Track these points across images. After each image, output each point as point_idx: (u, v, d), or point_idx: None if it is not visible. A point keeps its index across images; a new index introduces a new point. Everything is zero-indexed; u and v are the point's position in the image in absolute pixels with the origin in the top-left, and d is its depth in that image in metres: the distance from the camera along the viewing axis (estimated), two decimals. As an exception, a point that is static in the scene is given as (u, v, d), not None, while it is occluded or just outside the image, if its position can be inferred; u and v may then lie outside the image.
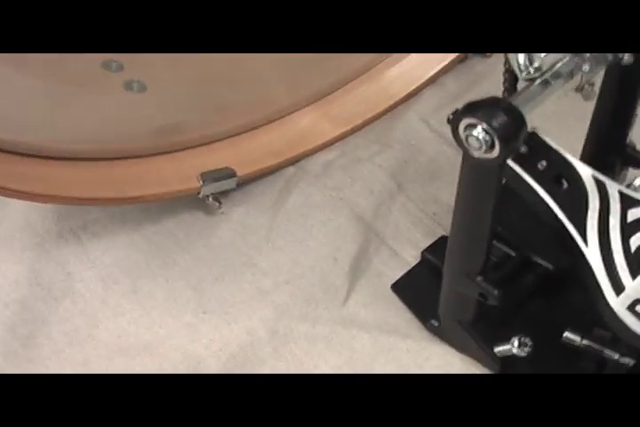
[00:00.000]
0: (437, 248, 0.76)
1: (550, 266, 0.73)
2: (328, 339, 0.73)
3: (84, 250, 0.79)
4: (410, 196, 0.81)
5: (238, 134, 0.83)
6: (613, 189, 0.66)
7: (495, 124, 0.55)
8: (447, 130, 0.83)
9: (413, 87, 0.88)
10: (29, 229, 0.79)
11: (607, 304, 0.62)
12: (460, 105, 0.86)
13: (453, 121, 0.57)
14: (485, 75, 0.89)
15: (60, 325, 0.74)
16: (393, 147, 0.85)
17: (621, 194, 0.65)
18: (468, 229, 0.63)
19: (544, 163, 0.64)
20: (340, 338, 0.73)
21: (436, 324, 0.73)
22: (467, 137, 0.57)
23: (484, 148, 0.56)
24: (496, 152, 0.56)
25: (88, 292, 0.76)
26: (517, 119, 0.56)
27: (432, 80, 0.89)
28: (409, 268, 0.77)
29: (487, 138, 0.56)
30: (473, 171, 0.59)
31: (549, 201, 0.64)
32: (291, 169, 0.84)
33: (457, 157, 0.83)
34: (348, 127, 0.86)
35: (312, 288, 0.76)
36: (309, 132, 0.85)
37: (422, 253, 0.77)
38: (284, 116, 0.85)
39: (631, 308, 0.62)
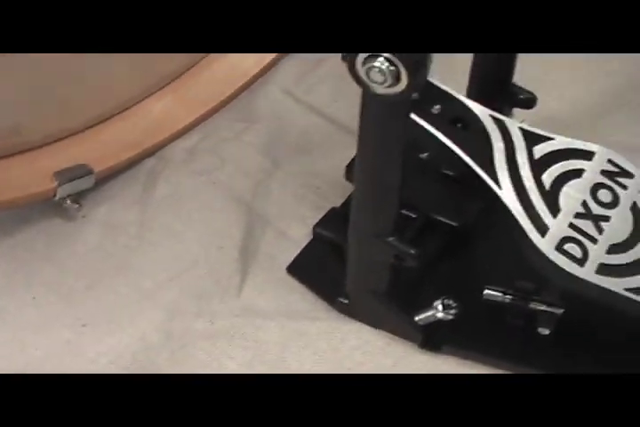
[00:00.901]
0: (329, 222, 0.71)
1: (454, 223, 0.69)
2: (230, 334, 0.66)
3: None
4: (287, 172, 0.75)
5: (89, 129, 0.75)
6: (514, 126, 0.62)
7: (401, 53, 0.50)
8: (314, 99, 0.81)
9: (268, 60, 0.82)
10: None
11: (535, 247, 0.57)
12: (320, 73, 0.82)
13: (350, 59, 0.51)
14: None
15: None
16: (259, 122, 0.79)
17: (523, 131, 0.61)
18: (375, 184, 0.58)
19: (437, 107, 0.60)
20: (243, 331, 0.66)
21: (345, 301, 0.67)
22: (367, 71, 0.51)
23: (389, 80, 0.50)
24: (403, 84, 0.51)
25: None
26: (424, 48, 0.51)
27: (276, 61, 0.83)
28: (302, 247, 0.70)
29: (392, 68, 0.50)
30: (376, 112, 0.53)
31: (452, 145, 0.59)
32: (151, 160, 0.76)
33: (330, 127, 0.79)
34: (206, 109, 0.80)
35: (201, 282, 0.69)
36: (164, 118, 0.79)
37: (314, 228, 0.71)
38: (134, 105, 0.78)
39: (559, 248, 0.58)
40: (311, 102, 0.80)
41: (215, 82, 0.81)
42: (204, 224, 0.72)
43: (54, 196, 0.71)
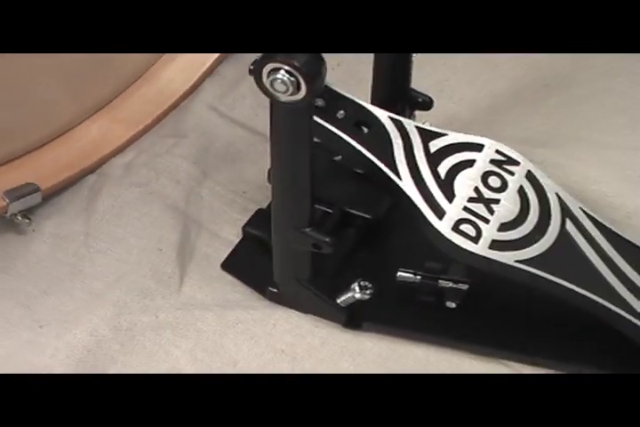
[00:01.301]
0: (257, 221, 0.78)
1: (368, 215, 0.77)
2: (173, 325, 0.73)
3: None
4: (216, 180, 0.83)
5: (33, 151, 0.82)
6: (411, 125, 0.70)
7: (297, 63, 0.57)
8: (236, 113, 0.89)
9: (193, 80, 0.90)
10: None
11: (434, 229, 0.66)
12: (241, 90, 0.90)
13: (255, 69, 0.59)
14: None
15: None
16: (188, 137, 0.86)
17: (419, 129, 0.70)
18: (289, 181, 0.65)
19: (342, 112, 0.68)
20: (185, 321, 0.73)
21: (274, 290, 0.74)
22: (271, 82, 0.58)
23: (290, 89, 0.58)
24: (303, 92, 0.59)
25: None
26: (318, 56, 0.58)
27: (209, 71, 0.91)
28: (233, 246, 0.78)
29: (292, 79, 0.58)
30: (283, 118, 0.61)
31: (357, 145, 0.68)
32: (93, 176, 0.84)
33: (252, 137, 0.87)
34: (139, 128, 0.87)
35: (145, 281, 0.76)
36: (101, 138, 0.86)
37: (243, 228, 0.78)
38: (73, 128, 0.85)
39: (455, 228, 0.66)
40: (234, 117, 0.88)
41: (146, 102, 0.89)
42: (144, 230, 0.79)
43: (6, 213, 0.78)
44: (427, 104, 0.78)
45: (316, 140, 0.66)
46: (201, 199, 0.82)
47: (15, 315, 0.74)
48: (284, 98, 0.59)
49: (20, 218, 0.79)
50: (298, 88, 0.58)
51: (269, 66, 0.58)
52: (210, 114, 0.88)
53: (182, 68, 0.90)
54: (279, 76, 0.58)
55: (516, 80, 0.91)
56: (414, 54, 0.74)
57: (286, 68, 0.57)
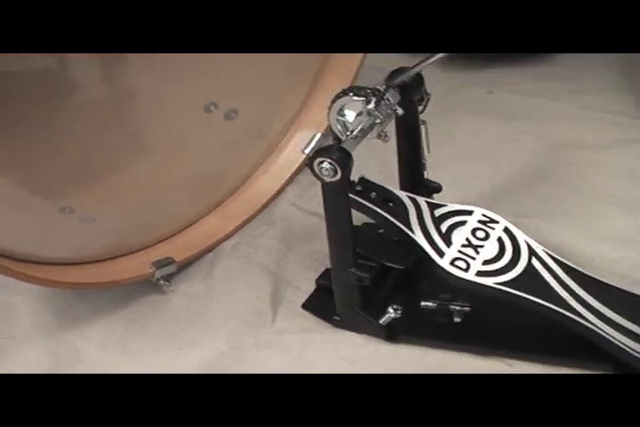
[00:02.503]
0: (325, 276, 1.11)
1: (400, 266, 1.08)
2: (269, 344, 1.05)
3: (80, 333, 1.10)
4: (297, 252, 1.17)
5: (169, 237, 1.19)
6: (421, 200, 1.03)
7: (335, 157, 0.91)
8: (310, 206, 1.23)
9: (278, 187, 1.26)
10: (43, 324, 1.12)
11: (437, 265, 0.97)
12: (312, 193, 1.24)
13: (310, 163, 0.93)
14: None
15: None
16: (276, 224, 1.21)
17: (427, 202, 1.02)
18: (338, 236, 0.98)
19: (374, 193, 1.01)
20: (277, 342, 1.05)
21: (337, 318, 1.06)
22: (320, 170, 0.93)
23: (331, 174, 0.92)
24: (339, 175, 0.92)
25: (93, 358, 1.07)
26: (347, 155, 0.92)
27: (290, 180, 1.27)
28: (309, 294, 1.11)
29: (332, 167, 0.92)
30: (329, 193, 0.95)
31: (385, 214, 1.01)
32: (210, 254, 1.19)
33: (321, 222, 1.20)
34: (240, 222, 1.22)
35: (249, 317, 1.09)
36: (215, 229, 1.22)
37: (316, 281, 1.11)
38: (197, 221, 1.22)
39: (452, 263, 0.97)
40: (308, 209, 1.23)
41: (245, 204, 1.24)
42: (247, 286, 1.13)
43: (152, 277, 1.12)
44: (437, 189, 1.09)
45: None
46: (287, 265, 1.15)
47: (162, 344, 1.07)
48: (327, 180, 0.93)
49: (162, 281, 1.13)
50: (336, 173, 0.93)
51: (318, 160, 0.92)
52: (291, 207, 1.24)
53: (271, 178, 1.26)
54: (324, 165, 0.92)
55: (512, 172, 1.24)
56: (426, 153, 1.07)
57: (328, 160, 0.92)
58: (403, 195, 1.03)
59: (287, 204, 1.25)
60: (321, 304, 1.09)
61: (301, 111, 1.29)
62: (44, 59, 1.06)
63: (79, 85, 1.10)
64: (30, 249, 1.05)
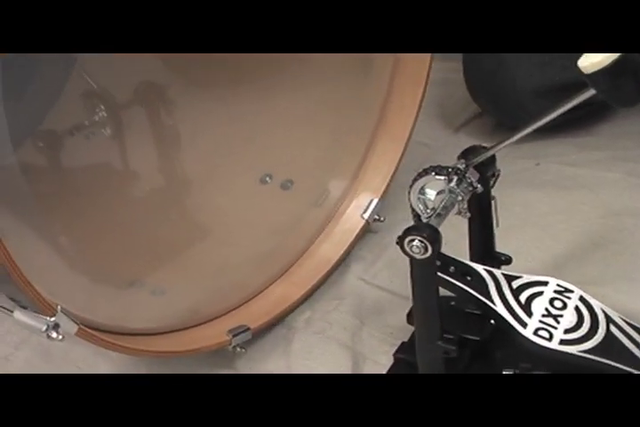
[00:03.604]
0: (402, 350, 1.13)
1: (477, 338, 1.11)
2: None
3: None
4: (370, 326, 1.19)
5: (241, 305, 1.21)
6: (498, 273, 1.05)
7: (425, 235, 0.95)
8: (377, 281, 1.26)
9: (341, 253, 1.29)
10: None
11: (521, 335, 0.99)
12: (378, 268, 1.28)
13: (400, 241, 0.96)
14: (386, 245, 1.31)
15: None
16: (346, 298, 1.24)
17: (504, 275, 1.05)
18: (425, 310, 1.01)
19: (452, 268, 1.04)
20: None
21: None
22: (410, 248, 0.96)
23: (422, 251, 0.95)
24: (429, 252, 0.95)
25: None
26: (436, 232, 0.96)
27: (352, 246, 1.29)
28: (387, 368, 1.13)
29: (422, 245, 0.95)
30: (418, 269, 0.97)
31: (466, 288, 1.03)
32: (284, 329, 1.21)
33: (390, 296, 1.24)
34: (308, 288, 1.25)
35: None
36: (284, 296, 1.24)
37: (393, 355, 1.13)
38: (264, 290, 1.24)
39: (535, 333, 0.99)
40: (376, 283, 1.25)
41: (310, 271, 1.26)
42: (327, 361, 1.15)
43: (230, 344, 1.13)
44: (508, 261, 1.13)
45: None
46: (361, 340, 1.17)
47: None
48: (417, 257, 0.97)
49: (238, 349, 1.14)
50: (426, 250, 0.96)
51: (409, 238, 0.95)
52: (359, 282, 1.26)
53: (332, 245, 1.29)
54: (415, 243, 0.95)
55: (570, 240, 1.28)
56: (495, 227, 1.12)
57: (419, 238, 0.96)
58: (480, 268, 1.06)
59: (355, 278, 1.27)
60: None
61: (357, 177, 1.32)
62: (104, 153, 1.11)
63: (138, 175, 1.15)
64: (112, 320, 1.08)
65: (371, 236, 1.34)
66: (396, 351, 1.13)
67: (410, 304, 1.12)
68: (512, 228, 1.28)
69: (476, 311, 1.12)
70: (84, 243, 1.11)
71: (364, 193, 1.31)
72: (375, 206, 1.30)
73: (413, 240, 0.96)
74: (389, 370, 1.13)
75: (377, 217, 1.31)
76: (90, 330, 1.00)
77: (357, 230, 1.30)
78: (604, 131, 1.46)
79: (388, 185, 1.30)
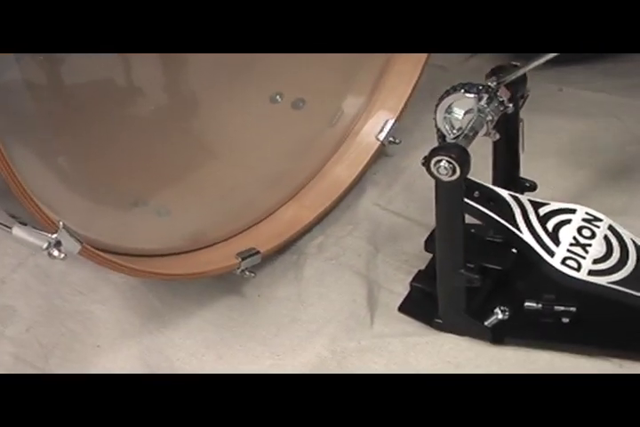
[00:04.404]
0: (419, 278, 1.09)
1: (498, 267, 1.06)
2: (371, 348, 1.03)
3: (170, 340, 1.07)
4: (385, 253, 1.14)
5: (250, 227, 1.17)
6: (524, 199, 1.00)
7: (454, 155, 0.89)
8: (393, 207, 1.20)
9: (355, 175, 1.23)
10: (130, 332, 1.08)
11: (549, 264, 0.95)
12: (392, 192, 1.22)
13: (427, 161, 0.90)
14: (403, 169, 1.26)
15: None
16: (361, 224, 1.19)
17: (530, 201, 1.00)
18: (449, 237, 0.96)
19: (477, 193, 0.99)
20: (379, 346, 1.03)
21: (439, 321, 1.04)
22: (437, 169, 0.90)
23: (449, 173, 0.90)
24: (457, 174, 0.90)
25: (187, 365, 1.04)
26: (465, 153, 0.90)
27: (366, 168, 1.24)
28: (403, 297, 1.08)
29: (450, 166, 0.90)
30: (444, 192, 0.92)
31: (491, 214, 0.98)
32: (294, 255, 1.16)
33: (406, 222, 1.18)
34: (319, 212, 1.19)
35: (347, 321, 1.06)
36: (294, 219, 1.19)
37: (410, 283, 1.09)
38: (274, 212, 1.19)
39: (563, 263, 0.95)
40: (392, 208, 1.20)
41: (325, 192, 1.21)
42: (340, 289, 1.10)
43: (238, 267, 1.08)
44: (533, 187, 1.08)
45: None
46: (376, 266, 1.13)
47: (258, 351, 1.04)
48: (445, 179, 0.91)
49: (247, 273, 1.09)
50: (454, 171, 0.90)
51: (436, 158, 0.90)
52: (374, 207, 1.21)
53: (346, 167, 1.23)
54: (442, 164, 0.90)
55: (594, 169, 1.22)
56: (521, 151, 1.06)
57: (447, 158, 0.90)
58: (505, 193, 1.01)
59: (370, 203, 1.22)
60: (419, 307, 1.07)
61: (373, 97, 1.26)
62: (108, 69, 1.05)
63: (143, 93, 1.09)
64: (116, 240, 1.03)
65: (386, 160, 1.28)
66: (413, 280, 1.09)
67: (426, 231, 1.10)
68: (534, 155, 1.21)
69: (497, 239, 1.08)
70: (86, 161, 1.05)
71: (380, 113, 1.25)
72: (391, 127, 1.24)
73: (441, 161, 0.90)
74: (405, 299, 1.08)
75: (392, 139, 1.25)
76: (94, 249, 0.95)
77: (372, 152, 1.24)
78: (632, 57, 1.39)
79: (405, 106, 1.24)
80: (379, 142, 1.24)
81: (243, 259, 1.09)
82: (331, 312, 1.08)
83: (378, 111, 1.25)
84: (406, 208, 1.20)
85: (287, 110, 1.19)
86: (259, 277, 1.12)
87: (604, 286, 0.95)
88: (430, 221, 1.14)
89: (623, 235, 1.00)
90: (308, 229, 1.18)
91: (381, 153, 1.26)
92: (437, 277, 1.01)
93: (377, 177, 1.26)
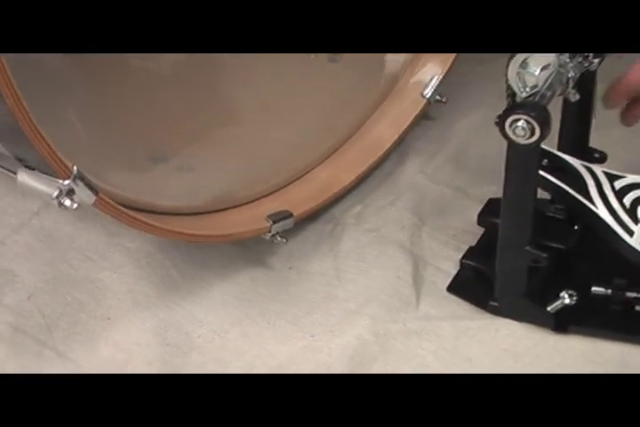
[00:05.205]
0: (470, 255, 0.98)
1: (560, 246, 0.95)
2: (418, 332, 0.92)
3: (189, 314, 0.95)
4: (431, 226, 1.03)
5: (282, 187, 1.05)
6: (598, 170, 0.90)
7: (534, 114, 0.78)
8: (439, 176, 1.09)
9: (398, 134, 1.11)
10: (144, 304, 0.97)
11: (627, 244, 0.85)
12: (439, 160, 1.10)
13: (501, 120, 0.79)
14: (450, 135, 1.14)
15: (197, 371, 0.90)
16: (404, 194, 1.07)
17: (605, 173, 0.89)
18: (518, 209, 0.85)
19: (545, 160, 0.88)
20: (427, 329, 0.92)
21: (494, 304, 0.92)
22: (514, 129, 0.79)
23: (527, 134, 0.78)
24: (536, 136, 0.78)
25: (209, 343, 0.93)
26: (546, 112, 0.79)
27: (411, 126, 1.12)
28: (452, 275, 0.97)
29: (529, 126, 0.78)
30: (518, 157, 0.81)
31: (561, 184, 0.87)
32: (330, 225, 1.04)
33: (454, 194, 1.07)
34: (358, 174, 1.08)
35: (390, 300, 0.95)
36: (330, 181, 1.07)
37: (461, 260, 0.97)
38: (309, 172, 1.08)
39: None
40: (438, 178, 1.09)
41: (364, 152, 1.10)
42: (382, 264, 0.98)
43: (269, 231, 0.97)
44: (602, 159, 0.96)
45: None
46: (421, 240, 1.01)
47: (288, 330, 0.93)
48: (521, 141, 0.79)
49: (278, 238, 0.98)
50: (533, 133, 0.79)
51: (512, 117, 0.78)
52: (418, 176, 1.09)
53: (388, 125, 1.11)
54: (520, 124, 0.78)
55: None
56: (594, 118, 0.95)
57: (526, 118, 0.78)
58: (577, 163, 0.90)
59: (414, 172, 1.10)
60: (470, 287, 0.96)
61: (418, 51, 1.15)
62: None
63: None
64: (134, 194, 0.92)
65: (430, 125, 1.16)
66: (464, 257, 0.98)
67: (475, 204, 1.02)
68: (598, 125, 1.11)
69: (558, 215, 0.98)
70: (103, 111, 0.95)
71: (426, 68, 1.13)
72: (438, 84, 1.12)
73: (518, 120, 0.78)
74: (455, 278, 0.97)
75: (439, 97, 1.13)
76: (110, 200, 0.83)
77: (417, 110, 1.12)
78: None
79: (455, 60, 1.12)
80: (424, 100, 1.12)
81: (274, 222, 0.98)
82: (372, 290, 0.96)
83: (424, 66, 1.13)
84: (454, 178, 1.08)
85: (323, 63, 1.07)
86: (289, 248, 1.01)
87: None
88: (480, 193, 1.04)
89: None
90: (344, 194, 1.07)
91: (425, 116, 1.15)
92: (498, 254, 0.89)
93: (420, 143, 1.14)
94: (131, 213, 0.86)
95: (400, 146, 1.13)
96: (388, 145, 1.11)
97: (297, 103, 1.06)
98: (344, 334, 0.92)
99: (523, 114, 0.78)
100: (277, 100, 1.05)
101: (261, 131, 1.04)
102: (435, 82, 1.12)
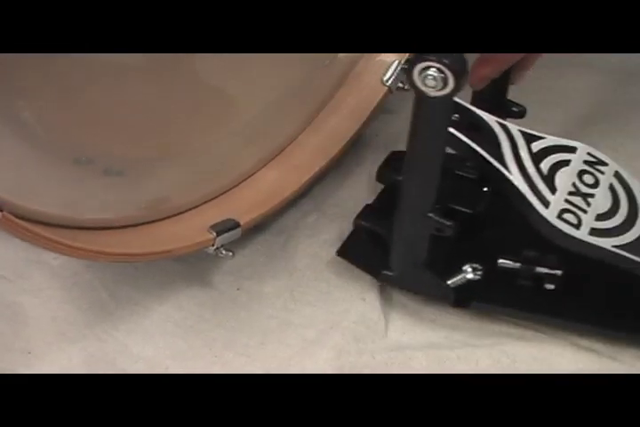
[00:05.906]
0: (366, 215, 0.89)
1: (469, 210, 0.86)
2: (388, 364, 0.82)
3: (123, 347, 0.85)
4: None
5: (225, 192, 0.94)
6: (514, 129, 0.80)
7: (447, 61, 0.67)
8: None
9: (357, 126, 1.01)
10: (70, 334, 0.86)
11: (542, 217, 0.76)
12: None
13: (409, 67, 0.69)
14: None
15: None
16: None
17: (521, 132, 0.80)
18: (423, 170, 0.75)
19: (456, 115, 0.77)
20: (399, 361, 0.82)
21: (389, 273, 0.84)
22: (423, 79, 0.68)
23: (439, 85, 0.68)
24: (449, 87, 0.68)
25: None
26: (463, 60, 0.69)
27: (370, 118, 1.01)
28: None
29: (442, 76, 0.68)
30: (427, 110, 0.71)
31: (471, 144, 0.78)
32: (282, 237, 0.94)
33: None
34: (311, 174, 0.98)
35: (356, 327, 0.84)
36: (280, 182, 0.96)
37: (354, 221, 0.88)
38: (253, 174, 0.96)
39: (559, 216, 0.76)
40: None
41: (317, 149, 0.99)
42: (345, 284, 0.88)
43: (212, 245, 0.85)
44: (521, 113, 0.87)
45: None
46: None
47: (238, 363, 0.82)
48: (432, 93, 0.69)
49: (224, 252, 0.86)
50: (445, 84, 0.68)
51: (421, 65, 0.68)
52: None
53: (345, 117, 1.01)
54: (430, 72, 0.67)
55: (602, 97, 1.02)
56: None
57: (437, 66, 0.67)
58: (491, 120, 0.79)
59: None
60: (363, 252, 0.88)
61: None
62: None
63: None
64: (52, 207, 0.79)
65: (389, 119, 1.05)
66: (358, 216, 0.89)
67: None
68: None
69: (469, 175, 0.90)
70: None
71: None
72: (398, 69, 1.00)
73: (429, 68, 0.69)
74: (347, 240, 0.90)
75: (401, 84, 1.01)
76: (18, 219, 0.72)
77: (377, 99, 1.01)
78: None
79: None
80: (385, 88, 1.01)
81: (218, 233, 0.86)
82: (333, 315, 0.86)
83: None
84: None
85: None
86: (237, 264, 0.90)
87: (607, 251, 0.76)
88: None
89: (632, 186, 0.80)
90: (296, 199, 0.96)
91: (382, 110, 1.03)
92: (396, 218, 0.79)
93: (380, 139, 1.03)
94: (40, 231, 0.74)
95: (358, 143, 1.02)
96: (344, 140, 1.00)
97: (239, 94, 0.94)
98: (304, 370, 0.81)
99: (435, 61, 0.68)
100: (217, 93, 0.93)
101: (199, 125, 0.91)
102: (394, 67, 1.00)
